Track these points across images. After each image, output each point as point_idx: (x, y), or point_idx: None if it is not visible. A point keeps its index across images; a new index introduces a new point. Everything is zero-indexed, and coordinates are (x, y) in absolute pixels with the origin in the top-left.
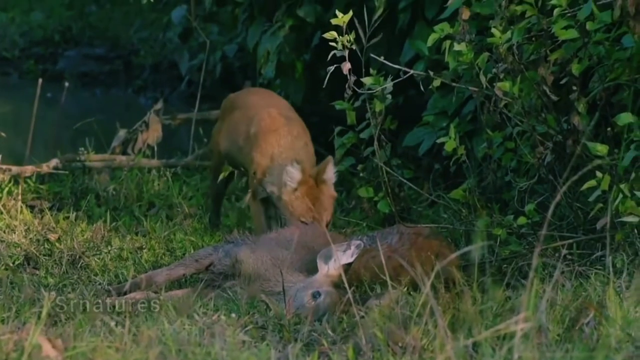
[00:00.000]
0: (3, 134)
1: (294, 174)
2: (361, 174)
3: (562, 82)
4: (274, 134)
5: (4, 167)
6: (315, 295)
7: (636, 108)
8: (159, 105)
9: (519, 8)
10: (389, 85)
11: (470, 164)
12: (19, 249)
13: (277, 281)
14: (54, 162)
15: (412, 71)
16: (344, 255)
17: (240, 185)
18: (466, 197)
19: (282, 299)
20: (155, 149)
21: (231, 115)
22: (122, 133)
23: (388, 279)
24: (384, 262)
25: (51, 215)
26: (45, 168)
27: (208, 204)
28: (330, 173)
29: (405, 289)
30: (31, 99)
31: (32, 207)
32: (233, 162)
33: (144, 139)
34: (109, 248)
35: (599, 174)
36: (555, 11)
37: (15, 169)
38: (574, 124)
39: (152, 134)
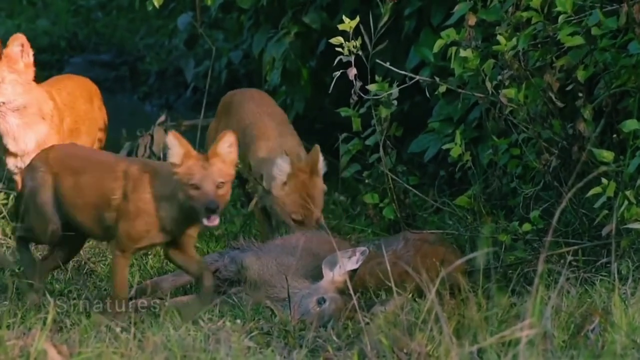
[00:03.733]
0: None
1: (283, 166)
2: (367, 181)
3: (568, 88)
4: (265, 141)
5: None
6: (320, 301)
7: None
8: (163, 117)
9: (525, 14)
10: (395, 91)
11: (475, 170)
12: None
13: (282, 287)
14: None
15: (417, 77)
16: (349, 261)
17: (245, 191)
18: (471, 204)
19: (288, 305)
20: (161, 156)
21: (227, 121)
22: (127, 145)
23: (393, 286)
24: (389, 268)
25: None
26: None
27: None
28: (321, 163)
29: (411, 295)
30: None
31: None
32: None
33: (144, 143)
34: None
35: (604, 180)
36: (561, 18)
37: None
38: (579, 131)
39: (157, 143)
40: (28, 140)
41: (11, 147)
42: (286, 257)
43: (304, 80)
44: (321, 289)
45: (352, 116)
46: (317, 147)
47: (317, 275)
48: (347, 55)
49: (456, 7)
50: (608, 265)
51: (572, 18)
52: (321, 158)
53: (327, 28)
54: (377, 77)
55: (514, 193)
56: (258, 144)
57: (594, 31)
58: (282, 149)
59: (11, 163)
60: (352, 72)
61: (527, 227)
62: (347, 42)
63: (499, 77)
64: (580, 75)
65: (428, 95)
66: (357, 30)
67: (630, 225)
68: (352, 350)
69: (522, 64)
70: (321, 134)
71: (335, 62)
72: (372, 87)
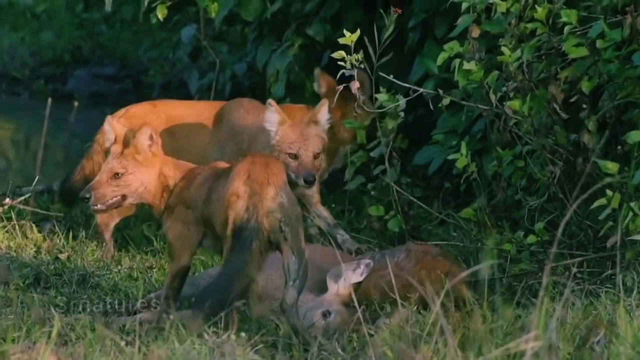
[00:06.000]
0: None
1: (273, 113)
2: (372, 193)
3: (572, 100)
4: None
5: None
6: (326, 314)
7: None
8: None
9: (530, 26)
10: (402, 102)
11: (480, 182)
12: (30, 268)
13: None
14: None
15: (422, 89)
16: (353, 274)
17: None
18: (476, 216)
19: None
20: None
21: (219, 128)
22: None
23: (398, 298)
24: (393, 280)
25: (61, 234)
26: (55, 187)
27: None
28: (324, 116)
29: (415, 307)
30: (41, 118)
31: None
32: None
33: None
34: (119, 267)
35: (609, 192)
36: (566, 29)
37: (25, 189)
38: (584, 142)
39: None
40: None
41: None
42: None
43: (308, 92)
44: (326, 301)
45: (358, 129)
46: (325, 101)
47: (321, 288)
48: (349, 69)
49: (460, 19)
50: (613, 277)
51: (577, 29)
52: (324, 110)
53: (331, 40)
54: (381, 89)
55: (518, 205)
56: None
57: (599, 43)
58: None
59: None
60: (355, 85)
61: (531, 239)
62: (349, 56)
63: (503, 89)
64: (585, 86)
65: (432, 107)
66: (361, 42)
67: (635, 237)
68: None
69: (527, 76)
70: None
71: (338, 75)
72: (380, 97)
